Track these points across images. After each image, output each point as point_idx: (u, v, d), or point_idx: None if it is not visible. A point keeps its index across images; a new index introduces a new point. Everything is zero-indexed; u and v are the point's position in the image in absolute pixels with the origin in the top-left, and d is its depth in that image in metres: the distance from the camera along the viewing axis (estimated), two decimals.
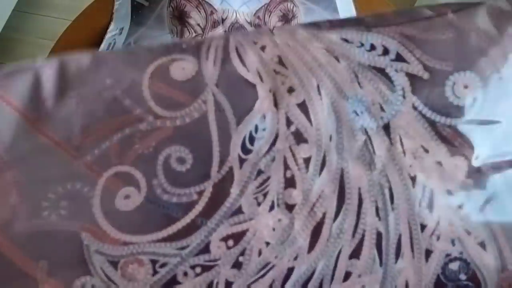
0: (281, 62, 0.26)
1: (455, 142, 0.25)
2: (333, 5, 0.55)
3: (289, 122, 0.25)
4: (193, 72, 0.25)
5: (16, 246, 0.25)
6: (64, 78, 0.26)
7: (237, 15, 0.58)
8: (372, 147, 0.25)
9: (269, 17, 0.58)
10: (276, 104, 0.25)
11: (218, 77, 0.25)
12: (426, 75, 0.25)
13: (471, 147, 0.25)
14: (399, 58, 0.26)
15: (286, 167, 0.25)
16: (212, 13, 0.59)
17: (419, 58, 0.25)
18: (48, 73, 0.26)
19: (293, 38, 0.26)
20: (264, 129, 0.25)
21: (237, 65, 0.26)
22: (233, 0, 0.58)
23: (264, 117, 0.25)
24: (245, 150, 0.25)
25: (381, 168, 0.25)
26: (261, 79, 0.25)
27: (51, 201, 0.25)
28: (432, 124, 0.25)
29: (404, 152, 0.25)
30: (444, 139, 0.25)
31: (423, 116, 0.25)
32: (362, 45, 0.26)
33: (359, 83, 0.25)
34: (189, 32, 0.58)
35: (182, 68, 0.25)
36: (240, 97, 0.25)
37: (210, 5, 0.58)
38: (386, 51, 0.26)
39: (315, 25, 0.27)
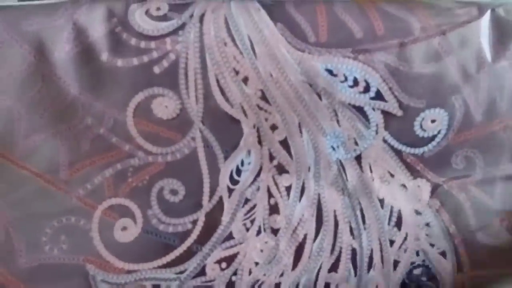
0: (264, 97, 0.27)
1: (417, 167, 0.29)
2: None
3: (272, 157, 0.28)
4: (177, 111, 0.27)
5: (22, 281, 0.27)
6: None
7: None
8: (345, 174, 0.28)
9: None
10: (260, 141, 0.28)
11: (203, 114, 0.27)
12: (400, 113, 0.27)
13: (433, 170, 0.29)
14: (378, 96, 0.27)
15: (270, 195, 0.28)
16: None
17: (396, 96, 0.27)
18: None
19: (277, 66, 0.27)
20: (249, 163, 0.28)
21: (220, 101, 0.27)
22: None
23: (249, 153, 0.28)
24: (233, 181, 0.28)
25: (353, 192, 0.29)
26: (245, 115, 0.27)
27: (49, 235, 0.27)
28: (398, 153, 0.28)
29: (373, 178, 0.29)
30: (407, 165, 0.28)
31: (391, 147, 0.28)
32: (346, 79, 0.27)
33: (337, 121, 0.28)
34: None
35: (164, 106, 0.26)
36: (226, 133, 0.27)
37: None
38: (367, 88, 0.27)
39: (301, 41, 0.27)
